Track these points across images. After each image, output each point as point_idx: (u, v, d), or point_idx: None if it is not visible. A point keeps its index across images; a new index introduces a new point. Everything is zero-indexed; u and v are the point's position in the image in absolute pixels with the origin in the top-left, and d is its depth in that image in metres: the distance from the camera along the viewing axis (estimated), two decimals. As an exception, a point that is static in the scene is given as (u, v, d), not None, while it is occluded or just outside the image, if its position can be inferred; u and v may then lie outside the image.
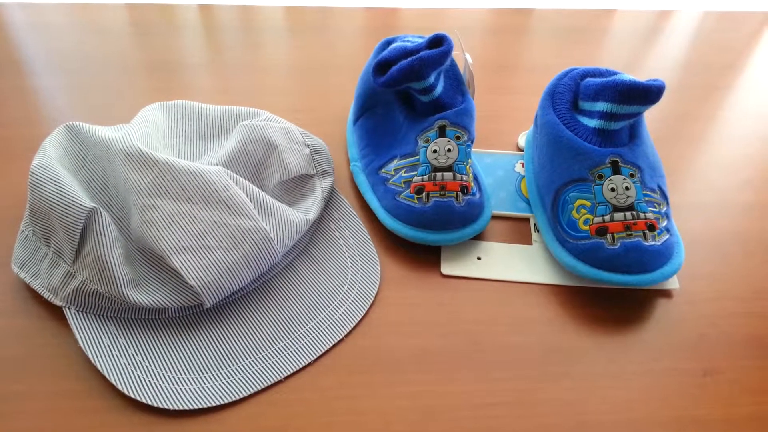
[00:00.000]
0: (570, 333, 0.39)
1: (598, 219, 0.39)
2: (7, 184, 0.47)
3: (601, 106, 0.41)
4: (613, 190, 0.40)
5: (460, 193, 0.41)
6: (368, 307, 0.40)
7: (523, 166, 0.50)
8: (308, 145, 0.46)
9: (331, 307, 0.39)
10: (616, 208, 0.39)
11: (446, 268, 0.42)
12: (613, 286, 0.40)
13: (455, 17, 0.74)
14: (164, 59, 0.64)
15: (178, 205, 0.37)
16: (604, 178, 0.40)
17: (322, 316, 0.39)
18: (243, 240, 0.38)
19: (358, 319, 0.39)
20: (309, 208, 0.43)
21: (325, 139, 0.53)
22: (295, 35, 0.69)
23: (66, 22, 0.69)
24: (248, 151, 0.42)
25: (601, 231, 0.39)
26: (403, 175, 0.43)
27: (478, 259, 0.43)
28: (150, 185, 0.37)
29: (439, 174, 0.42)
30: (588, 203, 0.40)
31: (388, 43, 0.49)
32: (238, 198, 0.38)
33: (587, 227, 0.40)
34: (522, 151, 0.52)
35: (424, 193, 0.42)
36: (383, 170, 0.45)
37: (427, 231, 0.42)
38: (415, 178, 0.42)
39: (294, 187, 0.45)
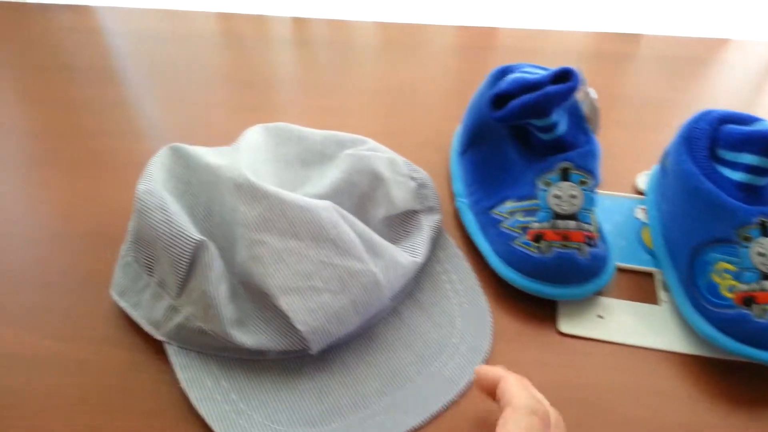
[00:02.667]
0: (700, 411, 0.35)
1: (744, 287, 0.35)
2: (103, 198, 0.47)
3: (746, 158, 0.37)
4: (762, 255, 0.35)
5: (584, 244, 0.38)
6: (480, 363, 0.36)
7: (644, 212, 0.46)
8: (414, 178, 0.44)
9: (440, 360, 0.37)
10: (766, 276, 0.35)
11: (565, 326, 0.39)
12: (761, 363, 0.36)
13: (554, 39, 0.70)
14: (254, 73, 0.63)
15: (285, 241, 0.35)
16: (752, 240, 0.36)
17: (431, 370, 0.36)
18: (351, 283, 0.35)
19: (470, 377, 0.36)
20: (415, 249, 0.41)
21: (420, 167, 0.50)
22: (386, 52, 0.67)
23: (157, 28, 0.69)
24: (354, 181, 0.40)
25: (748, 301, 0.35)
26: (519, 219, 0.40)
27: (599, 317, 0.39)
28: (258, 219, 0.35)
29: (561, 222, 0.38)
30: (733, 267, 0.36)
31: (504, 72, 0.46)
32: (347, 237, 0.36)
33: (732, 294, 0.36)
34: (641, 194, 0.48)
35: (543, 242, 0.38)
36: (495, 211, 0.42)
37: (546, 283, 0.38)
38: (534, 224, 0.39)
39: (398, 224, 0.43)
